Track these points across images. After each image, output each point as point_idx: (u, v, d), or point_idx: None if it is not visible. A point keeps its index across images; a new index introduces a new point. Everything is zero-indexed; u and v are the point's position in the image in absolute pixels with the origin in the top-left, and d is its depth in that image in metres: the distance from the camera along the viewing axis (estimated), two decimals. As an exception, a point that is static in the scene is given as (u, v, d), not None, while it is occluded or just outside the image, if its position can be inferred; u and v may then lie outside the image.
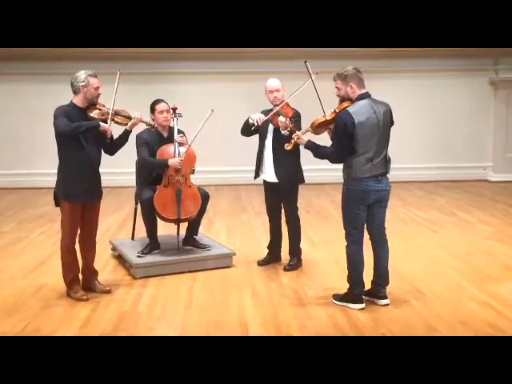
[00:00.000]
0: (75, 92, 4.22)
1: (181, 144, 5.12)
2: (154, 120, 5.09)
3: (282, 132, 4.62)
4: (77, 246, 4.43)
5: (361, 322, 3.90)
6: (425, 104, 10.01)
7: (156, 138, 5.10)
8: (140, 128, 4.95)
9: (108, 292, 4.46)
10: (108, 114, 4.30)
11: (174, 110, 5.21)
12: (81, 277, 4.49)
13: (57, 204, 4.34)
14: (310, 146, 4.15)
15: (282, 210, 5.16)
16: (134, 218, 5.52)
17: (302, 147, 4.35)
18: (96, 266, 4.61)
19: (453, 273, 4.94)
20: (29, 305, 4.23)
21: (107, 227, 6.68)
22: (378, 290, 4.20)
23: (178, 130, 5.19)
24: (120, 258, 5.33)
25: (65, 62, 8.90)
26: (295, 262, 5.08)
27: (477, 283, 4.65)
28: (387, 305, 4.15)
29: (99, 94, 4.27)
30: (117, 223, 6.99)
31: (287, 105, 4.79)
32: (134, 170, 5.51)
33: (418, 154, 10.03)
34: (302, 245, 5.22)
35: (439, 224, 6.80)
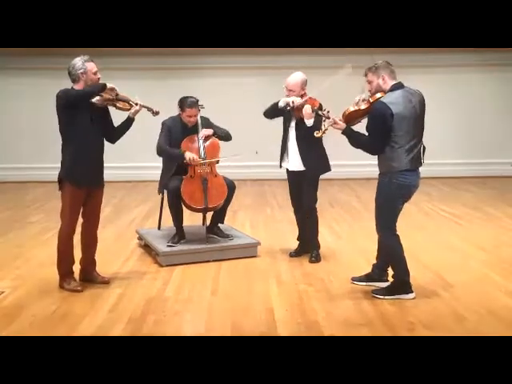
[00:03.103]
0: (74, 80, 4.15)
1: (206, 139, 5.16)
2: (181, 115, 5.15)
3: (307, 122, 4.65)
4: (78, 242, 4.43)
5: (387, 310, 3.89)
6: (451, 99, 9.91)
7: (179, 126, 5.15)
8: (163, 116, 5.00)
9: (107, 282, 4.42)
10: (109, 99, 4.25)
11: (196, 102, 5.23)
12: (79, 268, 4.47)
13: (61, 188, 4.27)
14: (349, 132, 4.06)
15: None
16: (160, 208, 5.56)
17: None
18: (121, 255, 4.62)
19: (480, 265, 4.89)
20: (57, 290, 4.30)
21: (133, 218, 6.79)
22: (382, 273, 4.31)
23: (202, 117, 5.23)
24: (146, 248, 5.39)
25: (93, 57, 9.00)
26: (318, 253, 5.06)
27: (505, 274, 4.60)
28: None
29: (99, 79, 4.20)
30: (142, 214, 7.06)
31: (311, 98, 4.77)
32: (158, 164, 5.51)
33: (443, 150, 9.92)
34: (328, 237, 5.22)
35: (465, 218, 6.73)
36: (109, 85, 4.20)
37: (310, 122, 4.66)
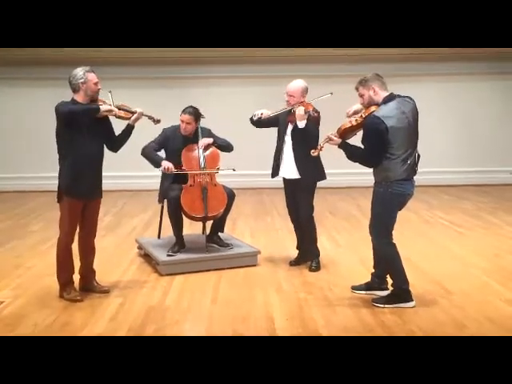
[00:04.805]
0: (75, 90, 4.15)
1: (205, 149, 5.19)
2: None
3: (298, 124, 4.69)
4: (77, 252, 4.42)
5: (387, 318, 3.88)
6: (450, 107, 9.96)
7: (180, 136, 5.18)
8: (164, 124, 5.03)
9: (107, 292, 4.42)
10: (109, 111, 4.22)
11: (192, 111, 5.21)
12: (78, 277, 4.46)
13: (59, 199, 4.25)
14: (345, 146, 4.06)
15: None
16: (160, 217, 5.57)
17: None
18: (121, 264, 4.63)
19: (480, 273, 4.89)
20: (57, 299, 4.30)
21: (133, 227, 6.79)
22: (382, 282, 4.31)
23: (202, 128, 5.24)
24: (146, 257, 5.39)
25: (97, 67, 9.05)
26: (318, 261, 5.06)
27: (504, 282, 4.60)
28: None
29: (99, 89, 4.21)
30: (142, 223, 7.06)
31: (305, 104, 4.79)
32: (158, 173, 5.52)
33: (443, 158, 9.96)
34: (328, 245, 5.22)
35: (465, 226, 6.74)
36: (105, 107, 4.19)
37: (301, 124, 4.69)
